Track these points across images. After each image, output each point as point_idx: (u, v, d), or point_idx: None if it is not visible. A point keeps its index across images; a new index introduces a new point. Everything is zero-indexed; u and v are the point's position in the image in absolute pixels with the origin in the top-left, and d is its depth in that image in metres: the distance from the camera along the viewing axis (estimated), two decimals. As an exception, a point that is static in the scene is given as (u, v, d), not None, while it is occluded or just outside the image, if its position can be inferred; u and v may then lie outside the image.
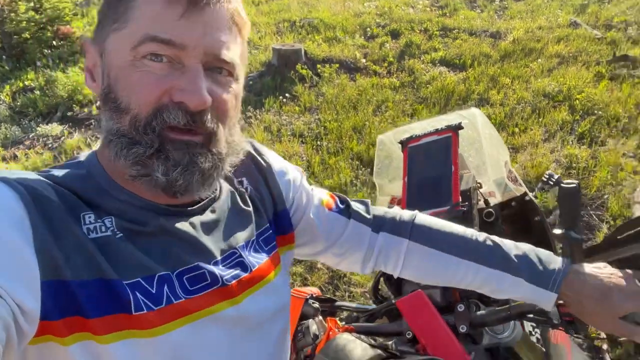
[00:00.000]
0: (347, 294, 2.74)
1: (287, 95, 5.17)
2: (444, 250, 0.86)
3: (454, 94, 4.95)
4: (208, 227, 0.70)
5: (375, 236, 0.90)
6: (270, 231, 0.81)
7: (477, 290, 0.88)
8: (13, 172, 0.58)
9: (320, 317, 1.14)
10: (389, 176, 1.38)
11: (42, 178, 0.60)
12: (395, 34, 6.68)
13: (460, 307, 1.01)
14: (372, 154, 3.98)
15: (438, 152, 1.19)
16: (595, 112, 4.32)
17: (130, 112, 0.60)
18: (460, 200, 1.11)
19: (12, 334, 0.48)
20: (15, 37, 6.54)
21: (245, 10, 0.67)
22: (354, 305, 1.21)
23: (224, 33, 0.62)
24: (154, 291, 0.60)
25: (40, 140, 4.77)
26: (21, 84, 5.86)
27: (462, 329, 0.98)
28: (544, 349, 1.10)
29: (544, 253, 0.83)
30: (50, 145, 4.69)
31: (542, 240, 1.17)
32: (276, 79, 5.42)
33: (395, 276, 0.92)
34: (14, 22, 6.40)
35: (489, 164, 1.27)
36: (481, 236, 0.86)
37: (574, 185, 0.84)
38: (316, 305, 1.14)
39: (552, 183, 0.87)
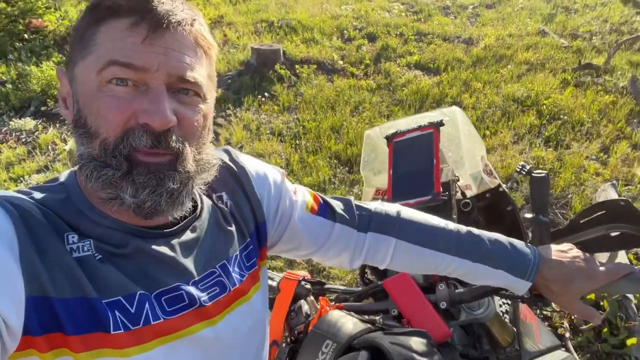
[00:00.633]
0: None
1: (265, 94, 5.23)
2: (429, 246, 0.90)
3: (428, 97, 5.10)
4: (187, 247, 0.71)
5: (363, 236, 0.92)
6: (252, 246, 0.82)
7: (460, 278, 0.95)
8: (2, 192, 0.61)
9: (312, 298, 1.22)
10: (375, 169, 1.47)
11: (28, 198, 0.62)
12: (371, 37, 6.82)
13: (441, 287, 1.11)
14: (350, 153, 4.09)
15: (421, 147, 1.28)
16: (561, 117, 4.54)
17: (100, 136, 0.61)
18: (442, 190, 1.21)
19: None
20: (-15, 29, 6.39)
21: (210, 33, 0.70)
22: (341, 287, 1.29)
23: (187, 55, 0.63)
24: (133, 310, 0.61)
25: (14, 134, 4.69)
26: (-8, 77, 5.73)
27: (443, 305, 1.08)
28: (514, 328, 1.21)
29: (518, 244, 0.90)
30: (24, 140, 4.62)
31: (513, 228, 1.28)
32: (255, 78, 5.47)
33: (382, 269, 0.97)
34: (-16, 14, 6.25)
35: (466, 158, 1.38)
36: (463, 230, 0.92)
37: (544, 174, 0.96)
38: (308, 286, 1.23)
39: (524, 173, 0.98)
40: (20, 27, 6.73)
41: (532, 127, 4.44)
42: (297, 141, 4.41)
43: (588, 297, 2.35)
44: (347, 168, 3.97)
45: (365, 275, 1.40)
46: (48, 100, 5.24)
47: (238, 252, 0.79)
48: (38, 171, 4.10)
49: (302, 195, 0.93)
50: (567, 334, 2.38)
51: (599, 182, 3.58)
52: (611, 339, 2.29)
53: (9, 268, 0.54)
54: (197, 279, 0.70)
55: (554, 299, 0.88)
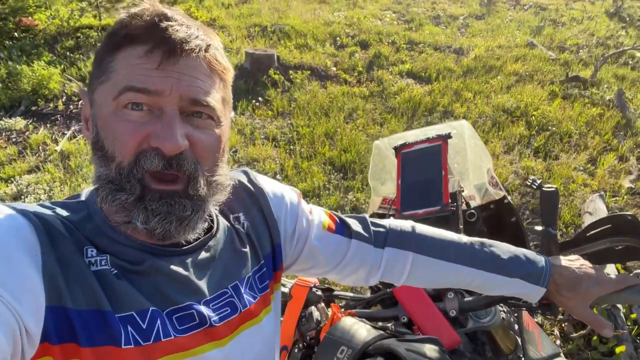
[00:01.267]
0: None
1: (259, 99, 5.25)
2: (447, 259, 0.91)
3: (420, 105, 5.17)
4: (201, 267, 0.72)
5: (380, 251, 0.92)
6: (265, 269, 0.83)
7: (474, 290, 0.96)
8: (29, 206, 0.64)
9: (322, 304, 1.25)
10: (382, 179, 1.50)
11: (51, 212, 0.65)
12: (364, 45, 6.90)
13: (450, 295, 1.14)
14: (344, 160, 4.12)
15: (429, 158, 1.32)
16: (550, 128, 4.65)
17: (116, 159, 0.63)
18: (450, 201, 1.25)
19: (18, 351, 0.52)
20: (-26, 26, 6.30)
21: (224, 56, 0.70)
22: (350, 294, 1.32)
23: (201, 79, 0.64)
24: (144, 326, 0.63)
25: (4, 134, 4.63)
26: (-20, 75, 5.65)
27: (452, 313, 1.12)
28: (517, 336, 1.25)
29: (528, 252, 0.93)
30: (14, 140, 4.56)
31: (517, 238, 1.33)
32: (249, 82, 5.49)
33: (398, 285, 0.97)
34: (-26, 11, 6.17)
35: (471, 170, 1.42)
36: (476, 241, 0.93)
37: (554, 189, 1.00)
38: (319, 293, 1.25)
39: (535, 187, 1.02)
40: (11, 25, 6.67)
41: (521, 138, 4.54)
42: (292, 146, 4.44)
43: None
44: (341, 174, 4.01)
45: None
46: (39, 100, 5.18)
47: (251, 273, 0.79)
48: (29, 171, 4.06)
49: (318, 214, 0.94)
50: (558, 342, 2.44)
51: (587, 193, 3.67)
52: (601, 347, 2.35)
53: (31, 277, 0.56)
54: (208, 298, 0.71)
55: (565, 304, 0.91)
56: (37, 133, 4.64)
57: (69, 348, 0.58)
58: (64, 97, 5.30)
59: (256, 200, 0.85)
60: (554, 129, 4.62)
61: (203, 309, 0.69)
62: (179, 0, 7.68)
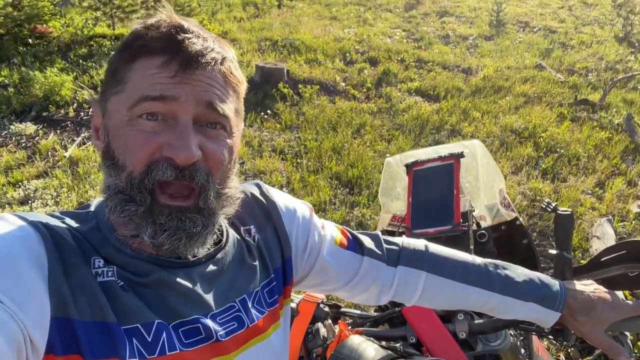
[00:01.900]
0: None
1: (268, 111, 5.28)
2: (460, 279, 0.89)
3: (428, 123, 5.18)
4: (208, 280, 0.71)
5: (393, 270, 0.90)
6: (275, 283, 0.81)
7: (487, 312, 0.94)
8: (38, 216, 0.63)
9: (330, 321, 1.23)
10: (392, 196, 1.50)
11: (60, 222, 0.65)
12: (373, 61, 6.94)
13: (460, 316, 1.12)
14: (350, 175, 4.12)
15: (441, 176, 1.31)
16: (558, 150, 4.64)
17: (126, 169, 0.63)
18: (461, 221, 1.24)
19: None
20: (-10, 31, 6.41)
21: (239, 69, 0.70)
22: (357, 312, 1.31)
23: (216, 88, 0.64)
24: (150, 339, 0.62)
25: (14, 138, 4.67)
26: (-7, 80, 5.73)
27: (462, 335, 1.10)
28: (527, 359, 1.23)
29: (543, 276, 0.92)
30: (24, 144, 4.59)
31: (528, 261, 1.31)
32: (258, 95, 5.52)
33: (410, 305, 0.94)
34: (-10, 17, 6.27)
35: (482, 190, 1.41)
36: (490, 263, 0.91)
37: (569, 212, 0.99)
38: (327, 309, 1.23)
39: (549, 210, 1.01)
40: (25, 31, 6.77)
41: (529, 159, 4.52)
42: (299, 160, 4.44)
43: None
44: (347, 189, 4.00)
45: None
46: (50, 106, 5.23)
47: (259, 288, 0.78)
48: (37, 176, 4.08)
49: (330, 230, 0.93)
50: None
51: (595, 216, 3.64)
52: (608, 374, 2.31)
53: (37, 288, 0.55)
54: (215, 312, 0.70)
55: (579, 329, 0.89)
56: (46, 139, 4.68)
57: (73, 359, 0.57)
58: (75, 104, 5.35)
59: (268, 213, 0.84)
60: (562, 151, 4.61)
61: (209, 322, 0.68)
62: (192, 13, 7.78)
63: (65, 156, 4.34)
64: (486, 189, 1.41)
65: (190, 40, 0.62)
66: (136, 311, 0.62)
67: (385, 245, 0.93)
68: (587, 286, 0.91)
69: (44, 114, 5.14)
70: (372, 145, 4.70)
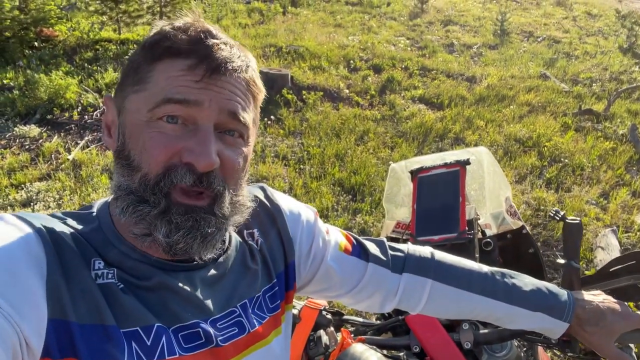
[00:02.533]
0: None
1: (272, 117, 5.28)
2: (466, 288, 0.87)
3: (431, 131, 5.18)
4: (209, 284, 0.70)
5: (398, 277, 0.89)
6: (277, 288, 0.80)
7: (493, 322, 0.92)
8: (39, 217, 0.63)
9: (332, 328, 1.21)
10: (397, 202, 1.48)
11: (61, 223, 0.64)
12: (377, 69, 6.95)
13: (465, 326, 1.11)
14: (353, 182, 4.11)
15: (446, 183, 1.30)
16: (562, 159, 4.62)
17: (141, 170, 0.62)
18: (467, 228, 1.22)
19: None
20: (-4, 34, 6.44)
21: (259, 78, 0.70)
22: (360, 319, 1.29)
23: (239, 97, 0.64)
24: (149, 343, 0.61)
25: (17, 140, 4.67)
26: (-1, 82, 5.75)
27: (467, 345, 1.08)
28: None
29: (551, 286, 0.90)
30: (27, 147, 4.60)
31: (534, 270, 1.29)
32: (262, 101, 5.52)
33: (414, 313, 0.92)
34: (-3, 20, 6.31)
35: (488, 197, 1.40)
36: (497, 272, 0.90)
37: (577, 221, 0.97)
38: (329, 316, 1.22)
39: (558, 218, 0.99)
40: (32, 35, 6.81)
41: (533, 168, 4.50)
42: (301, 166, 4.44)
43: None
44: (350, 196, 3.99)
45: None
46: (54, 109, 5.24)
47: (261, 293, 0.77)
48: (40, 179, 4.08)
49: (334, 235, 0.91)
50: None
51: (600, 227, 3.62)
52: (612, 387, 2.28)
53: (34, 290, 0.55)
54: (216, 317, 0.69)
55: (587, 340, 0.87)
56: (50, 141, 4.68)
57: None
58: (80, 107, 5.36)
59: (272, 217, 0.84)
60: (566, 160, 4.59)
61: (209, 327, 0.67)
62: (197, 18, 7.80)
63: (68, 159, 4.34)
64: (492, 196, 1.39)
65: (218, 46, 0.62)
66: (136, 314, 0.61)
67: (390, 252, 0.91)
68: (596, 296, 0.90)
69: (48, 116, 5.15)
70: (375, 152, 4.69)
